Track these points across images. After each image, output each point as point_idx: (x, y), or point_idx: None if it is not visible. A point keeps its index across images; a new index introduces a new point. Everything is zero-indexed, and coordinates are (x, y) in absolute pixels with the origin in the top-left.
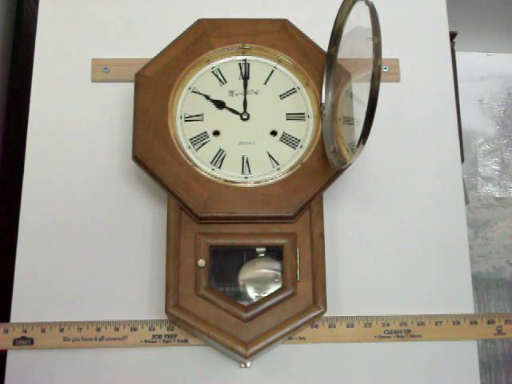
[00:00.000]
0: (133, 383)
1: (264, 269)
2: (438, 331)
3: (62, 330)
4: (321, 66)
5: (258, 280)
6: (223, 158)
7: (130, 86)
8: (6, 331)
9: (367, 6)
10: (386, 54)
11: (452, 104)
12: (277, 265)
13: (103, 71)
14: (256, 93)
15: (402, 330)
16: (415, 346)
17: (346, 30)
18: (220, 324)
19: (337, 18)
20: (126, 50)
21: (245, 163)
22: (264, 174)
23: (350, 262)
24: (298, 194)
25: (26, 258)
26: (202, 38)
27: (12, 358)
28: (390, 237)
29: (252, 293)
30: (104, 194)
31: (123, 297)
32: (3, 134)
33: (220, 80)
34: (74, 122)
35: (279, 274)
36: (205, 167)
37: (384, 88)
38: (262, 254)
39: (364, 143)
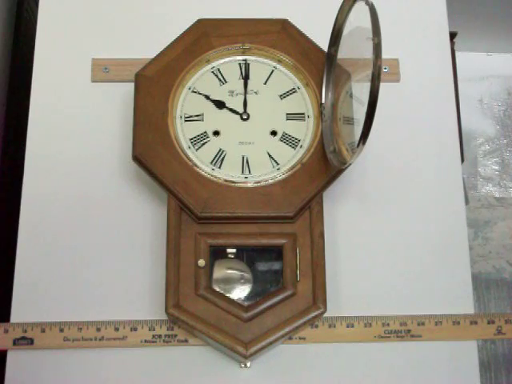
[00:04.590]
0: (133, 383)
1: (230, 270)
2: (437, 331)
3: (62, 330)
4: (321, 66)
5: (225, 280)
6: (223, 158)
7: (130, 86)
8: (6, 331)
9: (367, 6)
10: (386, 54)
11: (452, 104)
12: (244, 266)
13: (103, 71)
14: (256, 93)
15: (402, 330)
16: (415, 346)
17: (346, 29)
18: (220, 324)
19: (337, 18)
20: (126, 50)
21: (245, 163)
22: (264, 173)
23: (350, 262)
24: (297, 194)
25: (25, 258)
26: (202, 38)
27: (12, 358)
28: (390, 237)
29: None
30: (104, 193)
31: (123, 297)
32: (3, 134)
33: (220, 80)
34: (74, 122)
35: (246, 275)
36: (205, 167)
37: (384, 88)
38: (232, 256)
39: (364, 143)
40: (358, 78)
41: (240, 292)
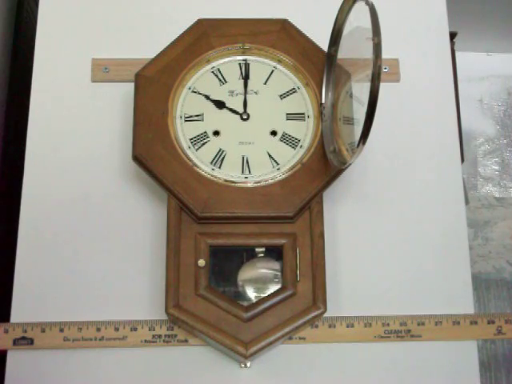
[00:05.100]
0: (133, 383)
1: (263, 269)
2: (437, 331)
3: (62, 330)
4: (321, 66)
5: (258, 280)
6: (223, 157)
7: (130, 86)
8: (6, 331)
9: (367, 6)
10: (386, 54)
11: (452, 104)
12: (276, 265)
13: (103, 71)
14: (256, 93)
15: (402, 330)
16: (415, 346)
17: (346, 29)
18: (220, 324)
19: (337, 18)
20: (126, 50)
21: (245, 163)
22: (264, 174)
23: (350, 262)
24: (297, 194)
25: (25, 257)
26: (202, 38)
27: (12, 358)
28: (390, 237)
29: (251, 293)
30: (104, 193)
31: (123, 297)
32: (3, 134)
33: (220, 80)
34: (74, 122)
35: (279, 274)
36: (205, 167)
37: (384, 88)
38: (262, 254)
39: (364, 143)
40: (358, 78)
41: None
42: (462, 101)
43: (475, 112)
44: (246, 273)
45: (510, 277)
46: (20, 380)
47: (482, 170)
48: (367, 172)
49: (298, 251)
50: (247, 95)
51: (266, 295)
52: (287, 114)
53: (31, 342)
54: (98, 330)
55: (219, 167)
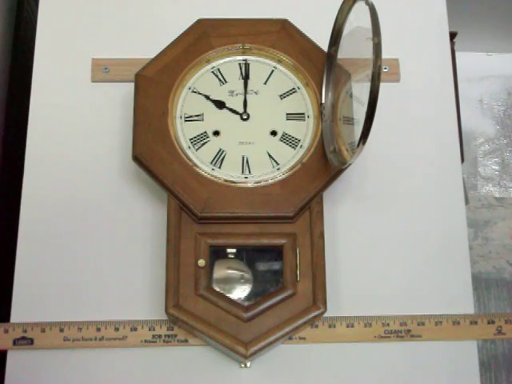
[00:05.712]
0: (133, 383)
1: (230, 269)
2: (437, 331)
3: (62, 330)
4: (321, 66)
5: (225, 280)
6: (223, 158)
7: (130, 86)
8: (6, 331)
9: (367, 6)
10: (386, 54)
11: (452, 104)
12: (244, 266)
13: (103, 71)
14: (256, 93)
15: (402, 330)
16: (415, 346)
17: (346, 29)
18: (220, 324)
19: (337, 18)
20: (126, 50)
21: (245, 163)
22: (264, 173)
23: (350, 262)
24: (297, 194)
25: (25, 257)
26: (202, 38)
27: (12, 358)
28: (390, 237)
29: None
30: (104, 194)
31: (123, 297)
32: (3, 134)
33: (220, 80)
34: (74, 122)
35: (246, 275)
36: (205, 167)
37: (384, 88)
38: (232, 256)
39: (364, 143)
40: (358, 78)
41: (240, 292)
42: (462, 101)
43: (475, 112)
44: (215, 272)
45: (510, 277)
46: (20, 380)
47: (482, 170)
48: (367, 172)
49: (297, 251)
50: (247, 95)
51: (231, 295)
52: (287, 113)
53: (31, 342)
54: (98, 329)
55: (219, 167)
